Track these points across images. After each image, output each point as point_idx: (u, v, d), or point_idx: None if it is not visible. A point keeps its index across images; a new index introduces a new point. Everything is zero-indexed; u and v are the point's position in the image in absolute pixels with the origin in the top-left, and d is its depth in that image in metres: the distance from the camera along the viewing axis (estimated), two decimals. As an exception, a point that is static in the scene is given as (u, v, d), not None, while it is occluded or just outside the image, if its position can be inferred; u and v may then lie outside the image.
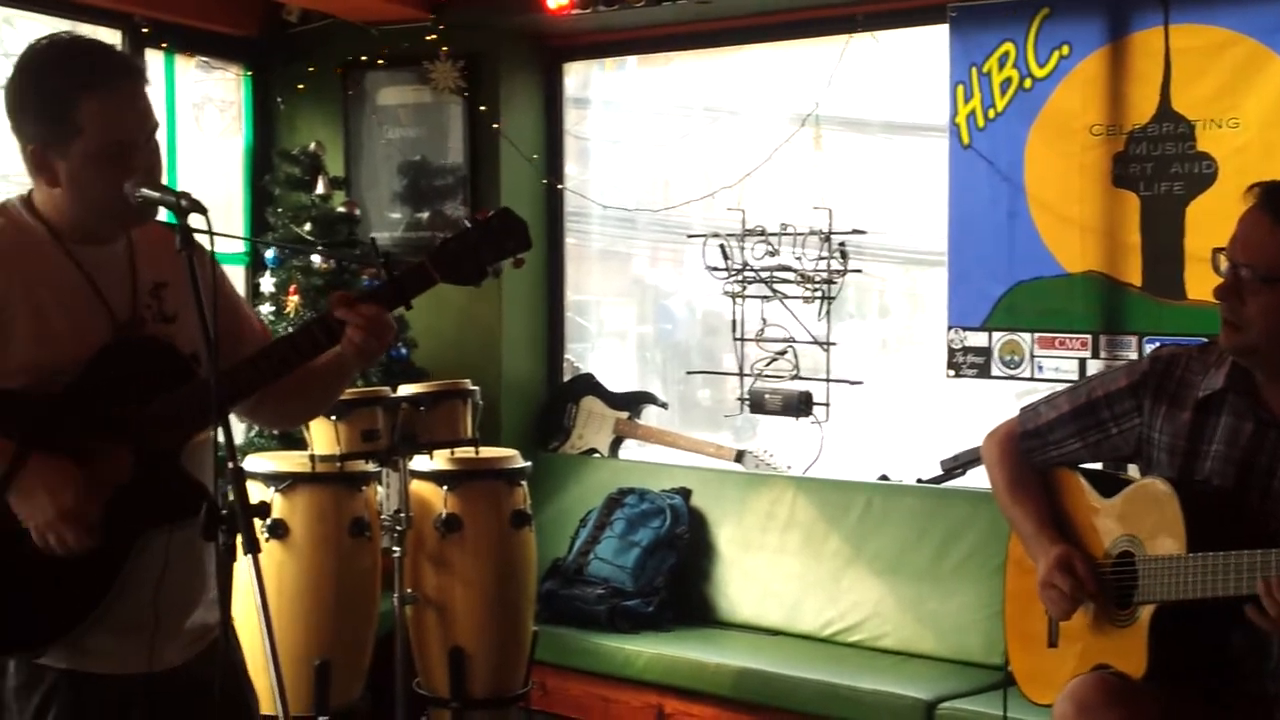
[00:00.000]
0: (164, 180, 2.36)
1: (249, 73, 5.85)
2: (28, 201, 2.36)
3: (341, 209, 5.38)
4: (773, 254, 5.24)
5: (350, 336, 2.33)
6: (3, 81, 2.41)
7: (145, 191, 2.23)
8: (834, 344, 5.18)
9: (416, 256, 2.50)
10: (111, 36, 5.21)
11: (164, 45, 5.32)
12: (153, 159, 2.31)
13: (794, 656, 4.59)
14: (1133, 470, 3.00)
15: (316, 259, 5.15)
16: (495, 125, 5.55)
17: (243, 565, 2.01)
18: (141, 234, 2.40)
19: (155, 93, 2.46)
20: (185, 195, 2.18)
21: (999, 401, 4.95)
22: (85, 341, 2.28)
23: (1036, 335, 4.70)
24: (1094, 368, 4.53)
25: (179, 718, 2.39)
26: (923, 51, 5.02)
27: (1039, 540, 2.78)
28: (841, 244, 5.11)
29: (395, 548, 4.13)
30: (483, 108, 5.55)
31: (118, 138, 2.25)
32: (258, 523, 2.13)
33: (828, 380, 5.20)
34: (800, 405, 5.20)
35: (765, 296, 5.30)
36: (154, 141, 2.33)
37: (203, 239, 2.20)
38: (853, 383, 5.21)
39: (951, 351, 4.87)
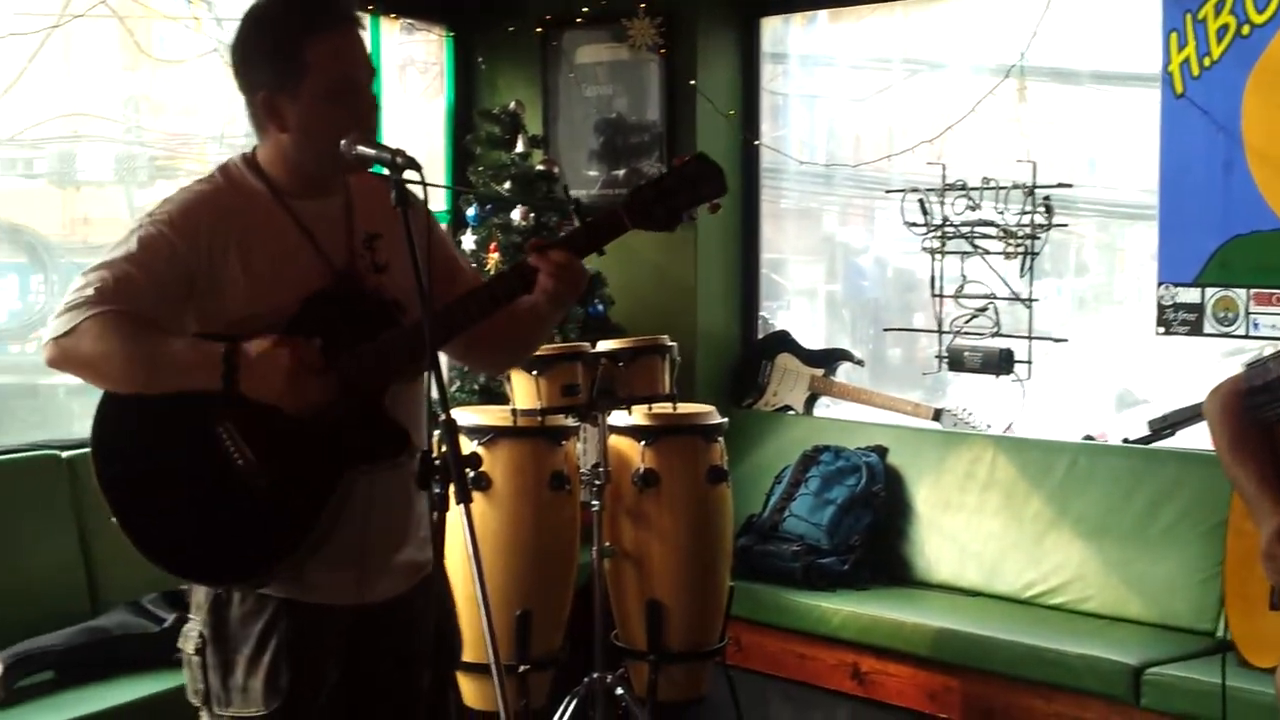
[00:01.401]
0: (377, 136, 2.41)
1: (451, 34, 5.94)
2: (249, 159, 2.44)
3: (540, 167, 5.44)
4: (973, 208, 5.14)
5: (542, 283, 2.36)
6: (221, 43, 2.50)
7: (361, 149, 2.28)
8: (1037, 300, 5.06)
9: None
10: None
11: (370, 7, 5.44)
12: (373, 107, 2.38)
13: (994, 618, 4.52)
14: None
15: (516, 215, 5.22)
16: (692, 82, 5.53)
17: (453, 514, 2.06)
18: (358, 186, 2.46)
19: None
20: (400, 152, 2.22)
21: (1207, 360, 4.78)
22: (302, 292, 2.36)
23: (1253, 291, 4.51)
24: (1314, 325, 4.34)
25: (390, 647, 2.48)
26: (1133, -1, 4.85)
27: (1260, 503, 2.69)
28: (1046, 198, 4.97)
29: (594, 501, 4.17)
30: (679, 64, 5.54)
31: (346, 74, 2.33)
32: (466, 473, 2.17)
33: (1029, 337, 5.08)
34: (1001, 363, 5.10)
35: (965, 252, 5.20)
36: (372, 91, 2.39)
37: (419, 194, 2.25)
38: (1056, 340, 5.08)
39: (1161, 308, 4.70)
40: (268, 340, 2.25)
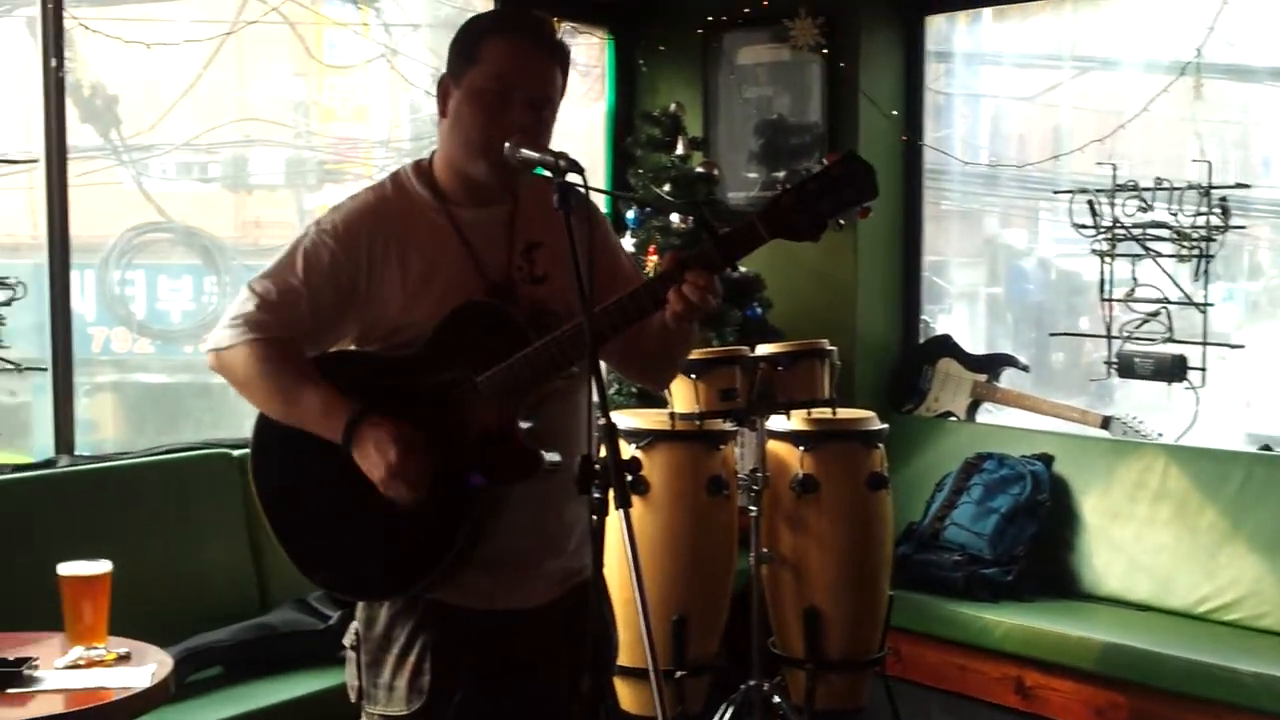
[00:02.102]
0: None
1: (612, 36, 5.96)
2: (420, 167, 2.47)
3: (700, 169, 5.42)
4: (1145, 210, 4.98)
5: (671, 300, 2.27)
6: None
7: (525, 152, 2.28)
8: (1212, 305, 4.89)
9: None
10: (484, 2, 5.41)
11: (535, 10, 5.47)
12: (530, 131, 2.33)
13: (1164, 633, 4.39)
14: None
15: (675, 219, 5.21)
16: (854, 82, 5.47)
17: (612, 519, 2.05)
18: (528, 194, 2.46)
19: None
20: (563, 155, 2.21)
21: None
22: (454, 302, 2.36)
23: None
24: None
25: (543, 652, 2.46)
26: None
27: None
28: (1222, 199, 4.80)
29: (752, 507, 4.14)
30: (842, 64, 5.48)
31: (503, 73, 2.33)
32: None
33: (1203, 343, 4.91)
34: (1174, 369, 4.94)
35: (1136, 255, 5.04)
36: (540, 117, 2.36)
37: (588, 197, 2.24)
38: (1233, 346, 4.90)
39: (1348, 315, 4.51)
40: (387, 429, 2.27)
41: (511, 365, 2.31)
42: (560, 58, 2.41)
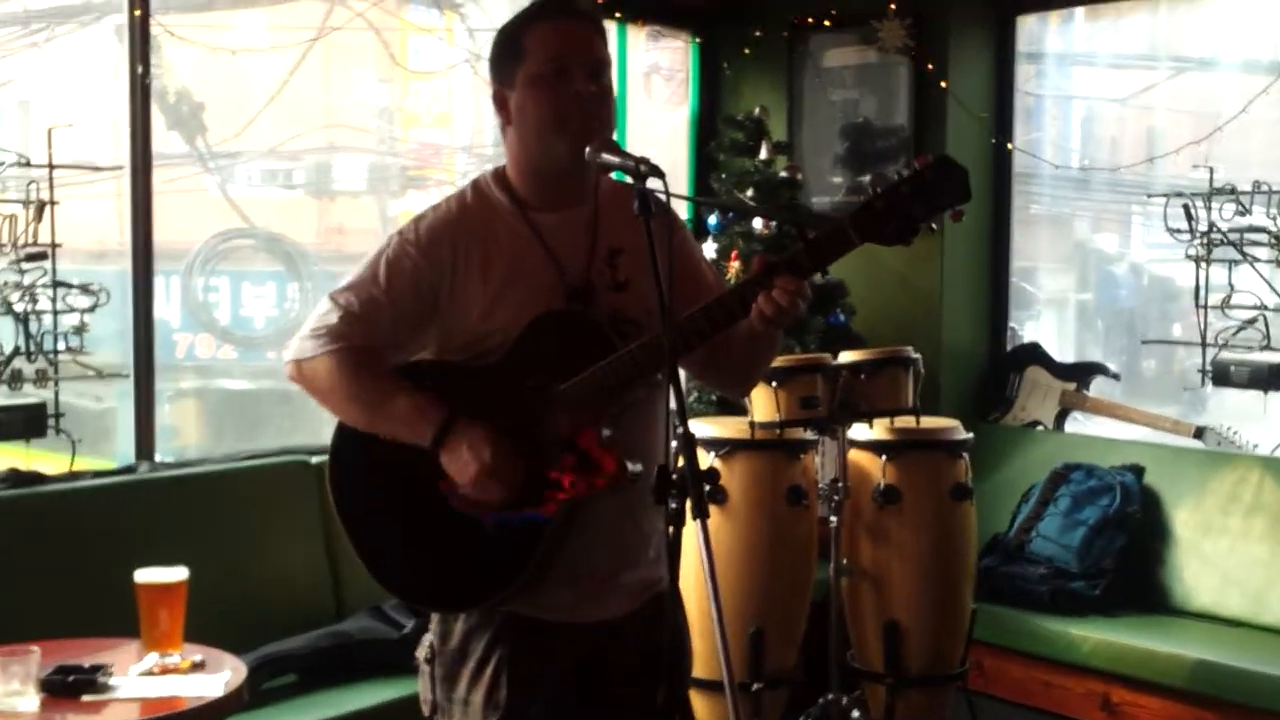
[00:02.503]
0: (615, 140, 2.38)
1: (697, 40, 5.93)
2: (498, 174, 2.46)
3: (784, 174, 5.37)
4: (1243, 214, 4.85)
5: (759, 305, 2.26)
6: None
7: (605, 156, 2.25)
8: (1311, 312, 4.76)
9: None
10: (564, 7, 5.40)
11: (617, 15, 5.46)
12: (597, 99, 2.34)
13: (1258, 650, 4.28)
14: None
15: (757, 224, 5.16)
16: (943, 84, 5.39)
17: (689, 530, 2.01)
18: (608, 199, 2.44)
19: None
20: (644, 160, 2.17)
21: None
22: (536, 309, 2.35)
23: None
24: None
25: (621, 664, 2.43)
26: None
27: None
28: (1324, 204, 4.67)
29: (832, 517, 4.08)
30: (930, 66, 5.40)
31: (554, 58, 2.33)
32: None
33: (1302, 352, 4.78)
34: (1271, 378, 4.81)
35: (1233, 260, 4.92)
36: (601, 84, 2.36)
37: (664, 202, 2.20)
38: (1333, 356, 4.76)
39: None
40: (480, 430, 2.27)
41: (595, 373, 2.29)
42: (597, 24, 2.42)
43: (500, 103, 2.41)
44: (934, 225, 2.27)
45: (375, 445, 2.36)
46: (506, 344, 2.33)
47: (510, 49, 2.38)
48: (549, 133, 2.33)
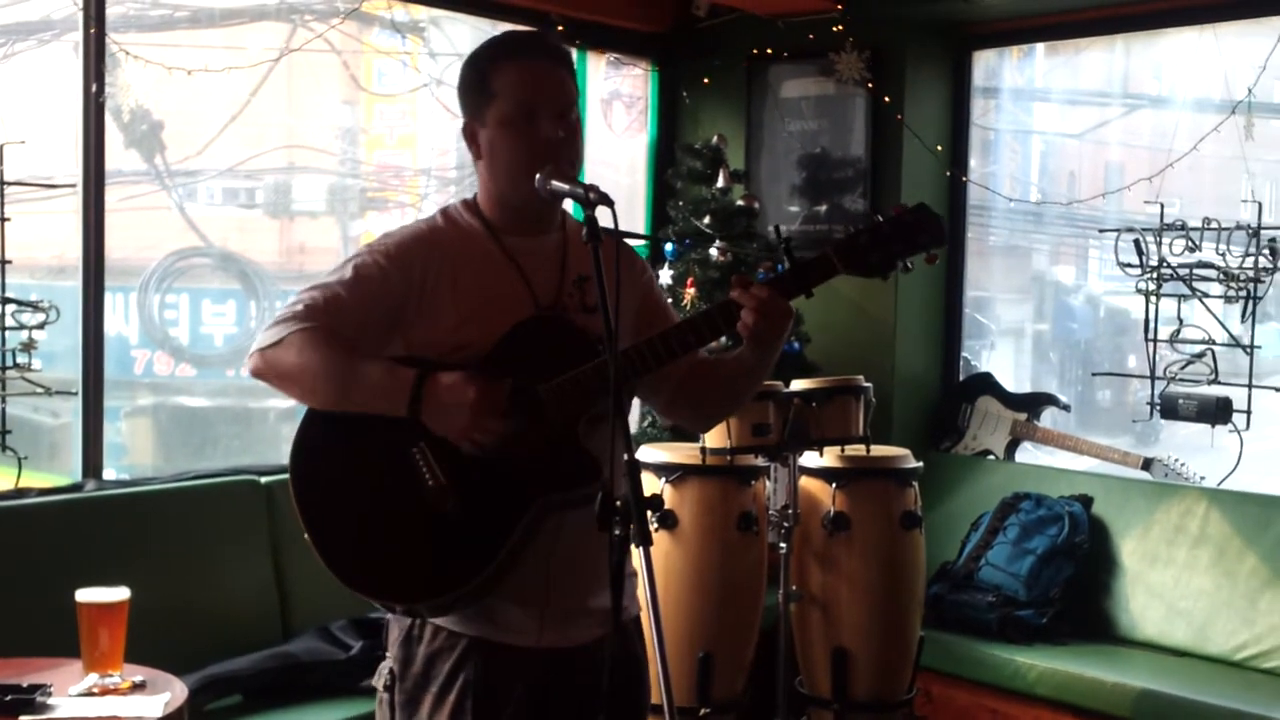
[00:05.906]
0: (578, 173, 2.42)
1: (656, 68, 5.97)
2: (469, 203, 2.50)
3: (741, 202, 5.41)
4: (1193, 250, 4.92)
5: (744, 319, 2.32)
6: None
7: (555, 184, 2.29)
8: (1259, 347, 4.81)
9: (814, 250, 2.43)
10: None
11: (578, 42, 5.49)
12: (566, 141, 2.37)
13: (1202, 680, 4.31)
14: None
15: (714, 252, 5.20)
16: (899, 116, 5.44)
17: (634, 556, 2.03)
18: (576, 228, 2.46)
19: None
20: (593, 188, 2.21)
21: None
22: (506, 323, 2.37)
23: None
24: None
25: (577, 695, 2.43)
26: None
27: None
28: (1272, 240, 4.74)
29: (782, 544, 4.11)
30: (887, 99, 5.46)
31: (524, 98, 2.35)
32: (648, 514, 2.13)
33: (1249, 386, 4.84)
34: (1218, 412, 4.86)
35: (1183, 295, 4.98)
36: (569, 123, 2.39)
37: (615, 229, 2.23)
38: (1279, 389, 4.82)
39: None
40: (458, 375, 2.26)
41: (579, 374, 2.32)
42: (566, 62, 2.45)
43: (470, 136, 2.43)
44: (909, 264, 2.42)
45: (348, 435, 2.34)
46: (483, 352, 2.34)
47: (479, 85, 2.40)
48: (520, 175, 2.36)
